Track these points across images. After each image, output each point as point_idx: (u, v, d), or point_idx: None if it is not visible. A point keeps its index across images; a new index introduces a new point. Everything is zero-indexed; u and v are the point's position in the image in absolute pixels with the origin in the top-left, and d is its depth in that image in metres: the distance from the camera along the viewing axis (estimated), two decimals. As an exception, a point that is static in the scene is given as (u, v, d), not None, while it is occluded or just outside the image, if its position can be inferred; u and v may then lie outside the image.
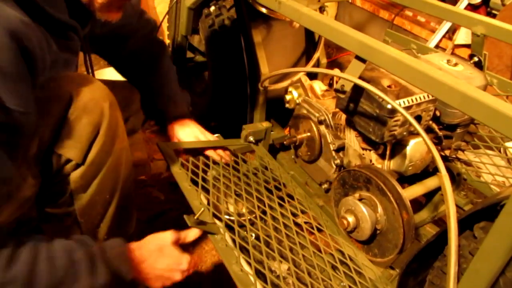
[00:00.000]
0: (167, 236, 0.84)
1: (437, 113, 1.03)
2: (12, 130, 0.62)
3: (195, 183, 1.00)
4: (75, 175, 0.81)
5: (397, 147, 1.01)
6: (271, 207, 1.00)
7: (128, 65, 1.17)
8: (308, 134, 1.18)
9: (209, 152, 1.12)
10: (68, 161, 0.79)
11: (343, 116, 1.08)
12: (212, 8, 1.53)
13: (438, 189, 1.11)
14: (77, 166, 0.80)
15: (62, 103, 0.76)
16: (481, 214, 0.70)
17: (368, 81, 0.90)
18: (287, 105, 1.28)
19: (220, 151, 1.14)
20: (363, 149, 1.04)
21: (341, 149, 1.10)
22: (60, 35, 0.77)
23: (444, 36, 2.22)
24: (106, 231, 0.91)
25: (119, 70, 1.19)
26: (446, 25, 2.20)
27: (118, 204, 0.90)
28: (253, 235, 0.93)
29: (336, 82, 1.14)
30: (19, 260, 0.63)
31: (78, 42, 0.85)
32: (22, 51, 0.60)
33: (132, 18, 1.09)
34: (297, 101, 1.20)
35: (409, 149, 0.98)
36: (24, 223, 0.79)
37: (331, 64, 2.49)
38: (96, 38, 0.97)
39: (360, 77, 0.84)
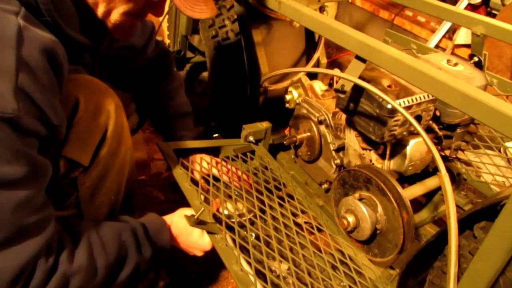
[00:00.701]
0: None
1: (437, 113, 1.03)
2: (51, 141, 0.67)
3: (195, 183, 1.00)
4: (82, 178, 0.81)
5: (397, 147, 1.01)
6: (271, 207, 1.00)
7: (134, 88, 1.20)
8: (308, 134, 1.18)
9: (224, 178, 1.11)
10: (76, 164, 0.79)
11: (343, 116, 1.08)
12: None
13: (438, 189, 1.11)
14: (85, 169, 0.80)
15: (69, 106, 0.76)
16: (481, 214, 0.70)
17: (368, 81, 0.90)
18: (287, 105, 1.28)
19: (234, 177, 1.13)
20: (363, 149, 1.04)
21: (341, 149, 1.10)
22: (74, 52, 0.79)
23: (444, 36, 2.22)
24: None
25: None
26: (446, 25, 2.20)
27: (122, 204, 0.92)
28: (253, 234, 0.93)
29: (336, 82, 1.14)
30: (79, 253, 0.71)
31: (89, 58, 0.88)
32: (53, 68, 0.64)
33: (140, 41, 1.11)
34: (297, 101, 1.20)
35: (409, 149, 0.98)
36: None
37: (331, 64, 2.49)
38: (105, 56, 0.99)
39: (360, 77, 0.84)
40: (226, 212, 0.96)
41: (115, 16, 0.76)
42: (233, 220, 0.92)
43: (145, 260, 0.83)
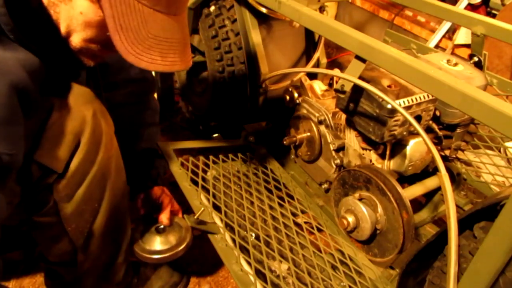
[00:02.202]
0: None
1: (437, 113, 1.03)
2: (1, 171, 0.63)
3: (195, 183, 1.00)
4: (57, 185, 0.77)
5: (397, 147, 1.01)
6: (271, 207, 1.00)
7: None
8: (308, 134, 1.18)
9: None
10: (49, 170, 0.75)
11: (343, 116, 1.08)
12: (212, 8, 1.53)
13: (438, 189, 1.11)
14: (59, 175, 0.76)
15: (43, 110, 0.73)
16: (481, 214, 0.70)
17: (368, 81, 0.90)
18: (287, 105, 1.28)
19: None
20: (363, 149, 1.04)
21: (341, 149, 1.10)
22: (70, 73, 0.78)
23: (444, 36, 2.22)
24: (99, 239, 0.88)
25: None
26: (446, 25, 2.20)
27: (109, 213, 0.87)
28: (253, 234, 0.93)
29: (336, 82, 1.14)
30: None
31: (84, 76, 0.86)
32: (20, 97, 0.61)
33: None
34: (297, 101, 1.20)
35: (409, 149, 0.98)
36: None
37: (331, 64, 2.49)
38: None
39: (360, 77, 0.84)
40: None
41: (76, 40, 0.69)
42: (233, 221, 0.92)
43: None
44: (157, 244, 0.97)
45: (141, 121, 1.11)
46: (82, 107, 0.77)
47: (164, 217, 1.02)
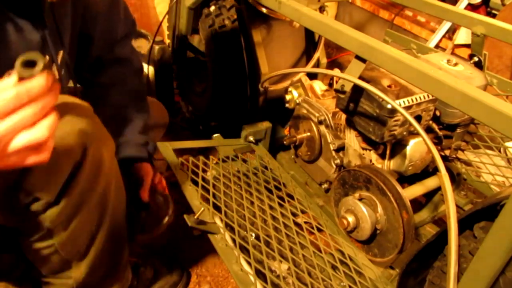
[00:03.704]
0: None
1: (437, 113, 1.03)
2: None
3: (195, 183, 1.00)
4: (51, 213, 0.71)
5: (397, 147, 1.01)
6: (271, 207, 1.00)
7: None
8: (308, 134, 1.18)
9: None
10: (38, 198, 0.69)
11: (343, 116, 1.08)
12: (212, 8, 1.53)
13: (438, 189, 1.11)
14: (50, 204, 0.71)
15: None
16: (481, 214, 0.70)
17: (368, 81, 0.90)
18: (287, 105, 1.28)
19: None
20: (363, 149, 1.04)
21: (341, 149, 1.10)
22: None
23: (444, 36, 2.22)
24: (96, 256, 0.85)
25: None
26: (446, 25, 2.20)
27: (108, 232, 0.83)
28: (253, 234, 0.93)
29: (336, 82, 1.14)
30: None
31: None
32: None
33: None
34: (297, 101, 1.20)
35: (409, 149, 0.98)
36: None
37: (331, 64, 2.49)
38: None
39: (360, 77, 0.84)
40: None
41: None
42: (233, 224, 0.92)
43: None
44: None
45: (127, 103, 1.05)
46: (79, 132, 0.69)
47: (144, 194, 0.98)
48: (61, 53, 0.80)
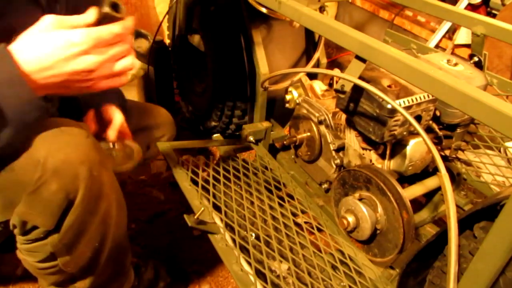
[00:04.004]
0: (45, 20, 0.60)
1: (437, 113, 1.03)
2: None
3: (195, 183, 1.00)
4: (52, 240, 0.72)
5: (397, 147, 1.01)
6: (271, 207, 1.00)
7: None
8: (308, 134, 1.18)
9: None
10: (35, 227, 0.71)
11: (343, 116, 1.08)
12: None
13: (438, 189, 1.11)
14: (51, 232, 0.71)
15: (29, 165, 0.66)
16: (481, 214, 0.70)
17: (368, 81, 0.90)
18: (287, 105, 1.28)
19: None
20: (363, 149, 1.04)
21: (341, 149, 1.10)
22: None
23: (444, 36, 2.22)
24: (101, 267, 0.85)
25: None
26: (446, 25, 2.20)
27: (112, 245, 0.83)
28: (253, 234, 0.93)
29: (336, 82, 1.14)
30: None
31: None
32: None
33: None
34: (297, 101, 1.20)
35: (409, 149, 0.98)
36: None
37: (331, 64, 2.49)
38: None
39: (360, 77, 0.84)
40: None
41: None
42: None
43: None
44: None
45: None
46: (75, 161, 0.68)
47: (111, 133, 0.94)
48: None
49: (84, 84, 0.63)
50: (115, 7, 0.62)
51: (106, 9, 0.60)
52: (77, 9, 0.73)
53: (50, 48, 0.58)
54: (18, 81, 0.57)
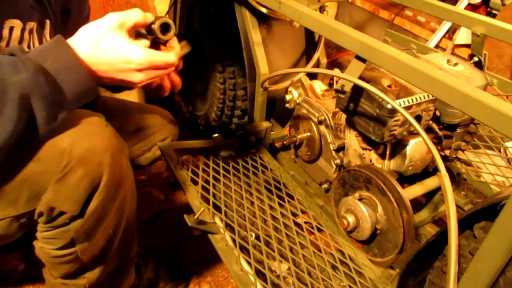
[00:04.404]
0: (108, 19, 0.66)
1: (437, 113, 1.03)
2: None
3: (195, 183, 1.00)
4: (75, 226, 0.75)
5: (397, 147, 1.01)
6: (271, 207, 1.00)
7: None
8: (308, 134, 1.18)
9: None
10: (62, 212, 0.73)
11: (343, 116, 1.08)
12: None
13: (438, 189, 1.11)
14: (76, 217, 0.74)
15: (55, 150, 0.69)
16: (481, 214, 0.70)
17: (368, 81, 0.90)
18: (287, 105, 1.28)
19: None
20: (363, 149, 1.04)
21: (341, 149, 1.10)
22: None
23: (444, 36, 2.22)
24: (111, 256, 0.87)
25: None
26: (446, 25, 2.20)
27: (123, 234, 0.86)
28: (253, 234, 0.93)
29: (336, 82, 1.14)
30: None
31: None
32: None
33: None
34: (297, 101, 1.20)
35: (409, 149, 0.98)
36: None
37: (331, 64, 2.49)
38: None
39: (360, 77, 0.84)
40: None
41: None
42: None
43: (39, 87, 0.60)
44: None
45: None
46: (99, 148, 0.72)
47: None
48: (32, 23, 0.81)
49: (122, 83, 0.71)
50: (165, 27, 0.70)
51: (158, 34, 0.69)
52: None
53: (109, 56, 0.66)
54: (77, 67, 0.63)
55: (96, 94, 0.68)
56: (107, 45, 0.65)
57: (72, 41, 0.66)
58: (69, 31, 0.89)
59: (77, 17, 1.00)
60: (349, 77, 0.83)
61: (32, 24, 0.79)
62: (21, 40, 0.77)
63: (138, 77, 0.69)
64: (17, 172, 0.69)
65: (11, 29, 0.75)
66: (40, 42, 0.83)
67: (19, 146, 0.62)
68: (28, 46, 0.79)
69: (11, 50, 0.61)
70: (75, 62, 0.63)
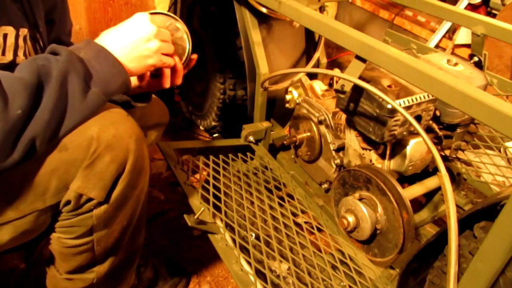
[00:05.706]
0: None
1: (437, 113, 1.03)
2: None
3: (195, 183, 1.00)
4: (98, 212, 0.77)
5: (397, 147, 1.01)
6: (271, 207, 1.00)
7: None
8: (308, 134, 1.18)
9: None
10: (89, 199, 0.75)
11: (343, 116, 1.08)
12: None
13: (438, 189, 1.11)
14: (100, 204, 0.76)
15: (83, 140, 0.71)
16: (481, 214, 0.70)
17: (368, 81, 0.90)
18: (287, 105, 1.28)
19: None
20: (363, 149, 1.04)
21: (341, 149, 1.10)
22: None
23: (444, 36, 2.22)
24: (121, 249, 0.89)
25: None
26: (446, 25, 2.20)
27: (134, 226, 0.88)
28: (253, 234, 0.93)
29: (336, 82, 1.14)
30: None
31: None
32: None
33: None
34: (297, 101, 1.20)
35: (409, 149, 0.98)
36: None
37: (331, 64, 2.49)
38: None
39: (360, 77, 0.84)
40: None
41: None
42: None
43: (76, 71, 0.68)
44: None
45: None
46: (124, 135, 0.75)
47: None
48: (25, 30, 0.82)
49: (142, 62, 0.79)
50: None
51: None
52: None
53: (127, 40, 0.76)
54: (106, 54, 0.72)
55: (128, 82, 0.75)
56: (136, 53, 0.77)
57: (104, 40, 0.75)
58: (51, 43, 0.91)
59: (60, 30, 1.02)
60: (349, 77, 0.83)
61: (25, 31, 0.80)
62: (16, 47, 0.79)
63: (152, 45, 0.77)
64: (45, 164, 0.71)
65: (5, 36, 0.76)
66: (35, 49, 0.84)
67: (61, 119, 0.67)
68: (24, 54, 0.80)
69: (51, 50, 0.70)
70: (105, 51, 0.73)
